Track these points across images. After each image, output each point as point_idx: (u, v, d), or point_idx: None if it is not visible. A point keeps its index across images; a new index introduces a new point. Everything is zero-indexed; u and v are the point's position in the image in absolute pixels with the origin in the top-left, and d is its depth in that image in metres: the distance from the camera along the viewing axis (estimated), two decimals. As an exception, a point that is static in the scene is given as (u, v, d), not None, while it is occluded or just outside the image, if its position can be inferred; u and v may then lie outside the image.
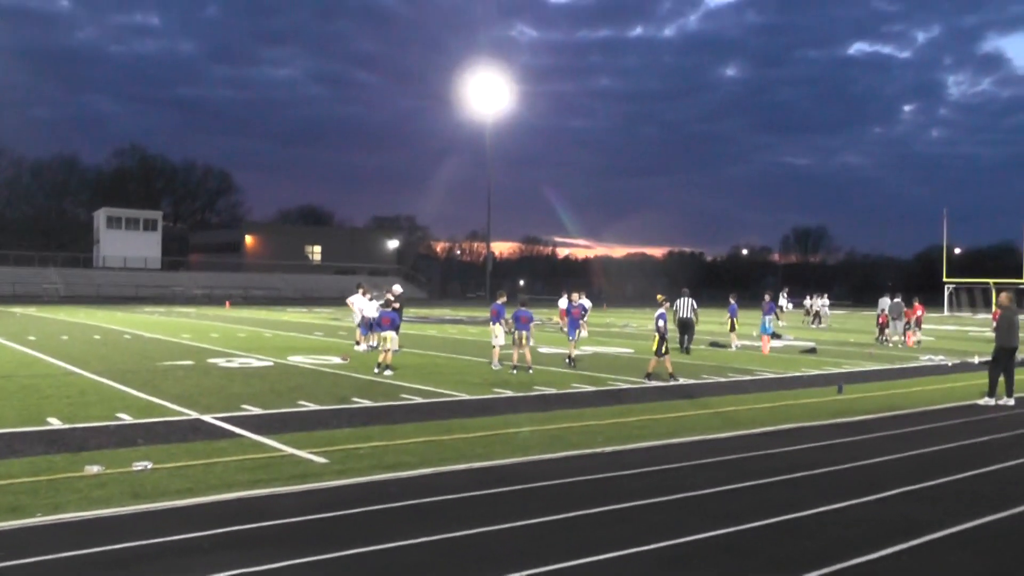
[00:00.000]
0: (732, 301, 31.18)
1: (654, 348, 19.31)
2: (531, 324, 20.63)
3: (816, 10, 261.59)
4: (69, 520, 7.34)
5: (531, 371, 19.86)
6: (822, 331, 44.25)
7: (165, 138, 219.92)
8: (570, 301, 24.00)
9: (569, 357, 22.09)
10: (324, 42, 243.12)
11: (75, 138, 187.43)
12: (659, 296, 21.09)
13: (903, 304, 34.11)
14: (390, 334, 19.70)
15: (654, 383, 18.51)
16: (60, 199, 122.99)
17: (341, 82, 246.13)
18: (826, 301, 51.54)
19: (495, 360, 20.94)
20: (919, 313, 34.67)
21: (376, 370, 19.05)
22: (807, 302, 53.86)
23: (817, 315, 50.72)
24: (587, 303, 36.34)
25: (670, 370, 19.18)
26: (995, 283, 70.65)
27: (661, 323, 19.29)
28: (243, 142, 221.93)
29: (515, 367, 20.00)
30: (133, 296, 79.78)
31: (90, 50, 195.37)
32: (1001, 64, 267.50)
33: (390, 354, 19.53)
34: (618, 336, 35.83)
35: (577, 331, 22.61)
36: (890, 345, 32.99)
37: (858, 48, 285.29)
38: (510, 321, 20.72)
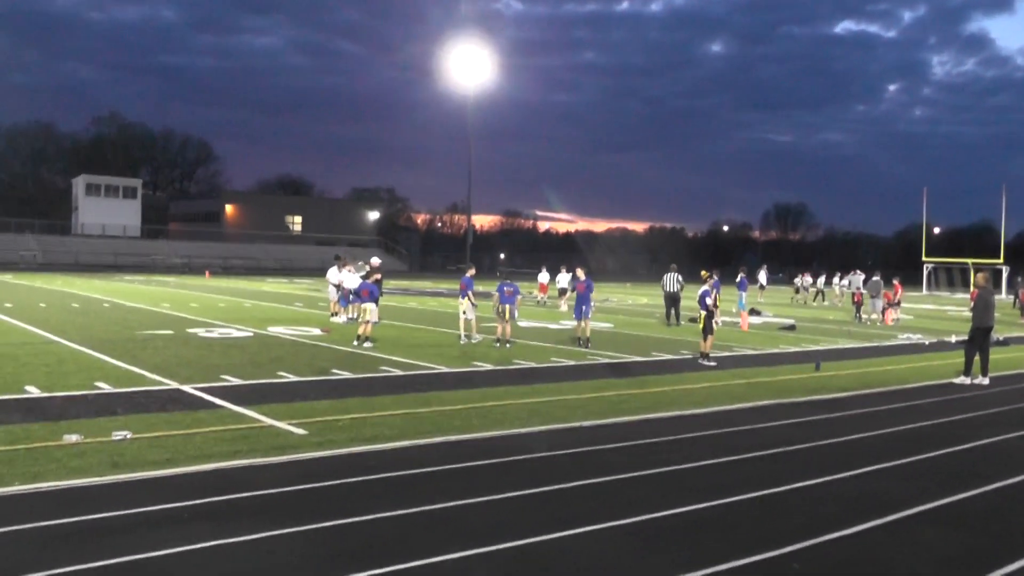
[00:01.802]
0: (715, 277, 31.30)
1: (701, 326, 18.86)
2: (516, 298, 20.40)
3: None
4: (47, 489, 7.34)
5: (510, 345, 19.83)
6: (833, 308, 44.39)
7: (145, 106, 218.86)
8: (575, 277, 23.05)
9: (579, 338, 20.89)
10: (307, 11, 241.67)
11: (53, 105, 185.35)
12: (703, 272, 20.20)
13: (882, 283, 34.25)
14: (369, 306, 19.67)
15: (711, 364, 18.10)
16: (37, 166, 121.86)
17: (324, 52, 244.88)
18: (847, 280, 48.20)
19: (465, 333, 20.64)
20: (898, 293, 34.82)
21: (356, 342, 19.04)
22: (799, 280, 51.48)
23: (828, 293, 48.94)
24: (566, 277, 36.48)
25: (705, 349, 18.67)
26: (973, 263, 70.95)
27: (709, 300, 18.85)
28: (224, 111, 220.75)
29: (498, 340, 19.95)
30: (112, 264, 79.38)
31: (70, 16, 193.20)
32: (985, 44, 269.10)
33: (370, 326, 19.50)
34: (599, 311, 35.83)
35: (584, 307, 21.08)
36: (868, 323, 33.13)
37: (843, 26, 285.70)
38: (495, 294, 20.54)
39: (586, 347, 20.23)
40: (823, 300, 49.87)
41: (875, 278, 34.37)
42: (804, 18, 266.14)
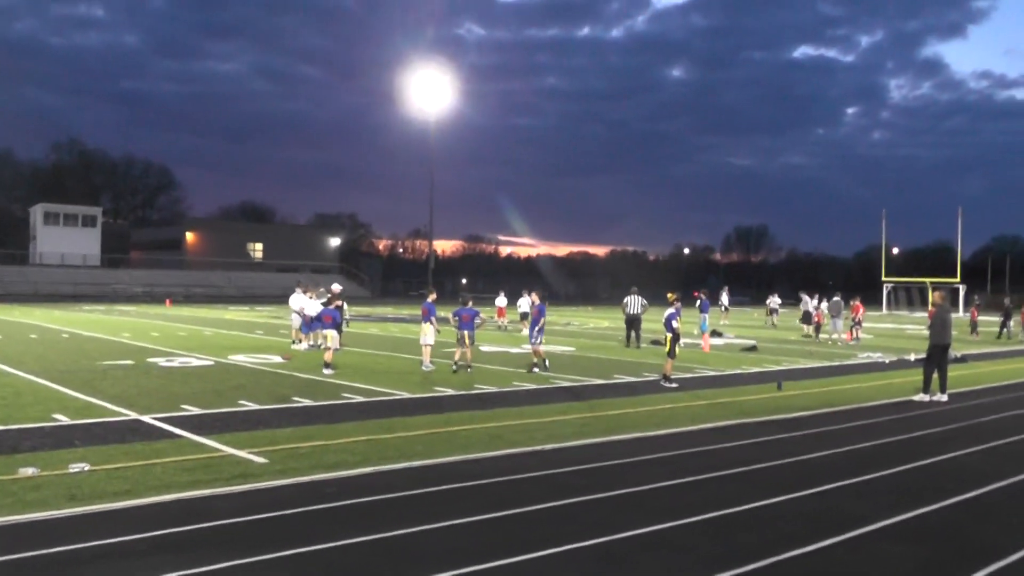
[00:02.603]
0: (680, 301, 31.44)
1: (667, 350, 18.64)
2: (475, 321, 20.28)
3: (762, 13, 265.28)
4: (2, 524, 7.23)
5: (470, 370, 19.78)
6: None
7: (106, 132, 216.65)
8: (532, 302, 22.55)
9: (535, 364, 20.41)
10: (270, 37, 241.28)
11: (12, 132, 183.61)
12: (670, 295, 19.59)
13: (842, 303, 34.60)
14: (331, 332, 19.60)
15: (673, 385, 18.09)
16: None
17: (286, 77, 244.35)
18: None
19: (426, 360, 20.39)
20: (860, 312, 35.14)
21: (326, 371, 18.86)
22: (771, 301, 49.94)
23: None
24: (527, 301, 36.48)
25: (667, 371, 18.63)
26: (931, 282, 71.80)
27: (676, 324, 18.66)
28: (185, 137, 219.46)
29: (456, 365, 19.90)
30: (71, 294, 78.42)
31: (30, 41, 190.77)
32: (940, 69, 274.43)
33: (331, 352, 19.42)
34: (560, 334, 35.94)
35: (536, 332, 20.61)
36: (830, 343, 33.41)
37: (803, 51, 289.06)
38: (451, 319, 20.46)
39: (544, 371, 20.07)
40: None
41: (835, 298, 34.73)
42: (764, 43, 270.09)
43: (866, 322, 39.85)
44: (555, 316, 54.44)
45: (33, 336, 29.38)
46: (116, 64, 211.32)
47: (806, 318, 38.14)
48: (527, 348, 25.13)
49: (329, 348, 19.42)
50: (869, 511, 8.23)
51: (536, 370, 20.15)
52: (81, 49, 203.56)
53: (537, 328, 20.60)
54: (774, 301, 50.11)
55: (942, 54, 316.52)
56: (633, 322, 29.43)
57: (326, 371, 18.76)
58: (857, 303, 34.90)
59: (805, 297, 39.86)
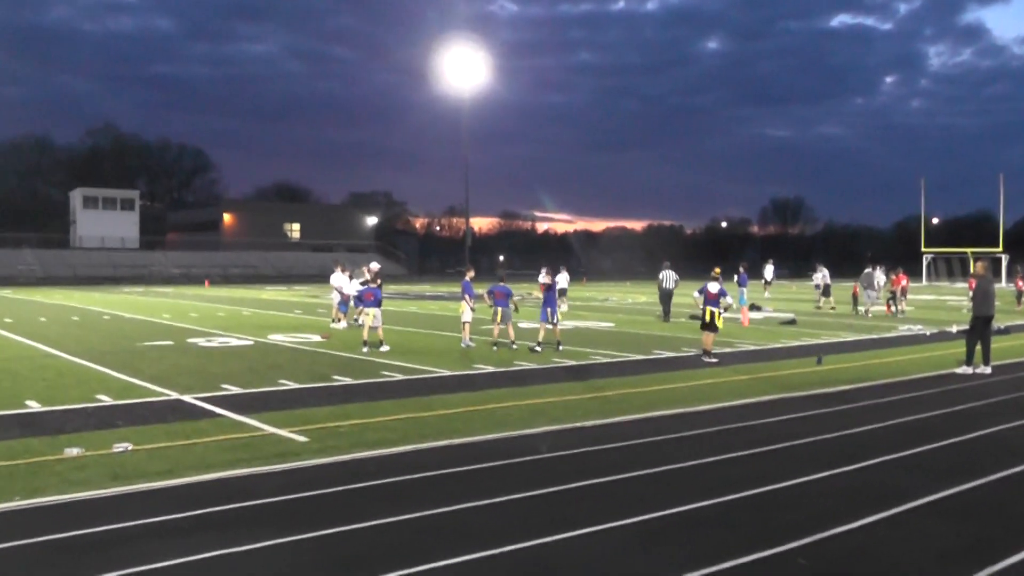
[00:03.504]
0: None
1: (708, 324, 18.45)
2: (509, 299, 20.25)
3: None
4: (48, 503, 7.31)
5: (515, 346, 19.73)
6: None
7: (141, 117, 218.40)
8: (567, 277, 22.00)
9: (557, 341, 20.03)
10: (301, 17, 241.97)
11: (48, 118, 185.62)
12: (716, 270, 19.26)
13: (874, 274, 34.00)
14: (374, 310, 19.63)
15: (713, 360, 17.90)
16: (33, 179, 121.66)
17: (318, 58, 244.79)
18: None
19: (466, 337, 20.41)
20: (903, 283, 34.54)
21: (364, 349, 18.94)
22: (819, 276, 40.66)
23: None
24: (565, 277, 36.34)
25: (707, 346, 18.49)
26: (972, 252, 70.93)
27: (726, 299, 18.60)
28: (219, 119, 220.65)
29: (496, 343, 19.88)
30: (111, 276, 79.21)
31: (63, 28, 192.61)
32: (981, 35, 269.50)
33: (380, 330, 19.48)
34: (598, 310, 35.86)
35: (549, 311, 20.03)
36: (869, 316, 32.94)
37: (840, 20, 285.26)
38: (486, 297, 20.42)
39: (537, 352, 19.31)
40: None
41: (867, 270, 34.17)
42: (800, 13, 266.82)
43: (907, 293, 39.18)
44: (594, 292, 54.28)
45: (75, 318, 29.71)
46: (149, 48, 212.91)
47: (826, 291, 37.93)
48: (567, 324, 25.11)
49: (375, 327, 19.46)
50: (912, 486, 8.13)
51: (560, 347, 19.72)
52: (114, 34, 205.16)
53: (551, 308, 20.12)
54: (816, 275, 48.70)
55: (983, 19, 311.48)
56: (668, 297, 29.43)
57: (381, 348, 18.98)
58: (900, 275, 34.32)
59: (825, 271, 39.52)
